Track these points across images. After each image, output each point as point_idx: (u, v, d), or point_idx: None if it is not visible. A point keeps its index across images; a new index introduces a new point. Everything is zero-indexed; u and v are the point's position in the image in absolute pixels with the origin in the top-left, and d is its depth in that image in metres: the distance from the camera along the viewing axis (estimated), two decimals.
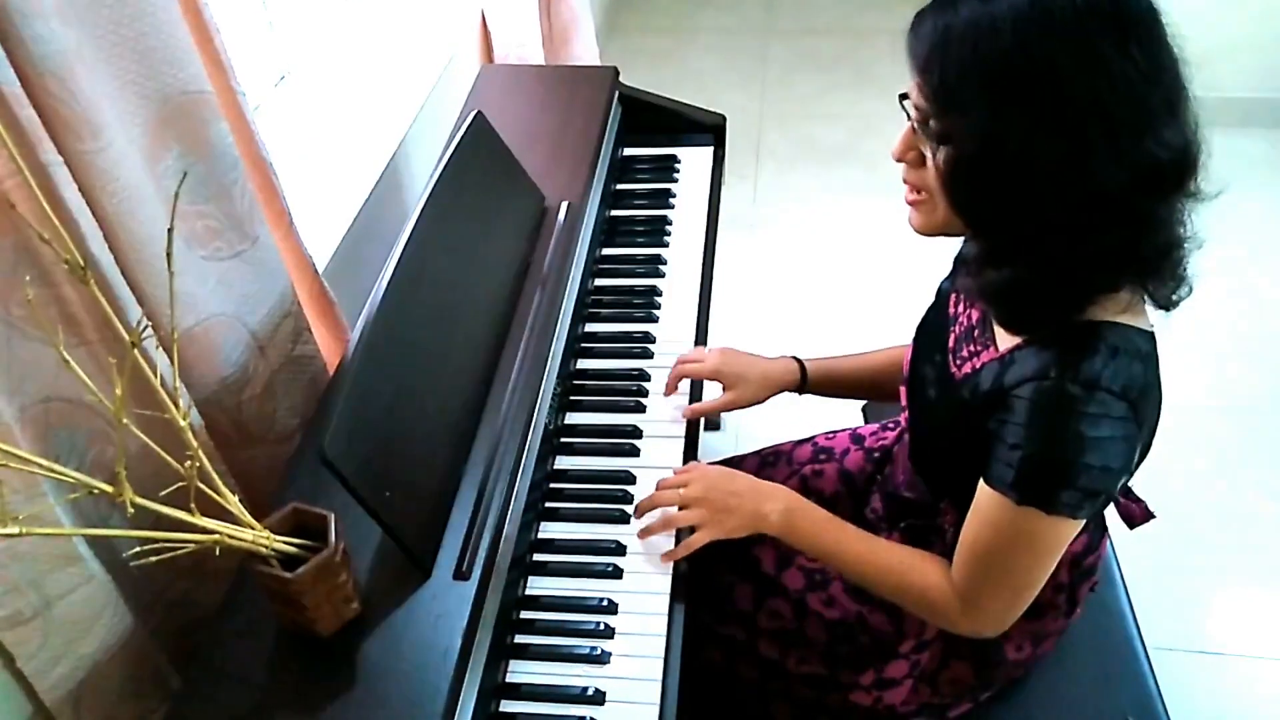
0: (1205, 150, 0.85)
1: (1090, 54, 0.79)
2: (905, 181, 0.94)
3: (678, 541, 1.10)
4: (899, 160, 0.93)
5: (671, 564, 1.09)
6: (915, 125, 0.89)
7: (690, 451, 1.25)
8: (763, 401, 1.29)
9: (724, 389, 1.28)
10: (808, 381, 1.30)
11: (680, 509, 1.10)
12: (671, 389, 1.28)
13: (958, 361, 1.03)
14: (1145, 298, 0.90)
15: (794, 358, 1.31)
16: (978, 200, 0.88)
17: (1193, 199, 0.86)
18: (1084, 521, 0.92)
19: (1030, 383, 0.88)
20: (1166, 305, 0.90)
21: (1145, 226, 0.85)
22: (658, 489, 1.13)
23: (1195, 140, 0.84)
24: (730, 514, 1.09)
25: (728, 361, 1.27)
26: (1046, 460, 0.88)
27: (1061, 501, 0.89)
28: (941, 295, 1.13)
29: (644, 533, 1.11)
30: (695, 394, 1.30)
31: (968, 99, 0.83)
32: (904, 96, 0.90)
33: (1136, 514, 1.13)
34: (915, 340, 1.14)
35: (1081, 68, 0.79)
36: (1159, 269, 0.88)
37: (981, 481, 0.94)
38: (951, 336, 1.06)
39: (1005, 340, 0.96)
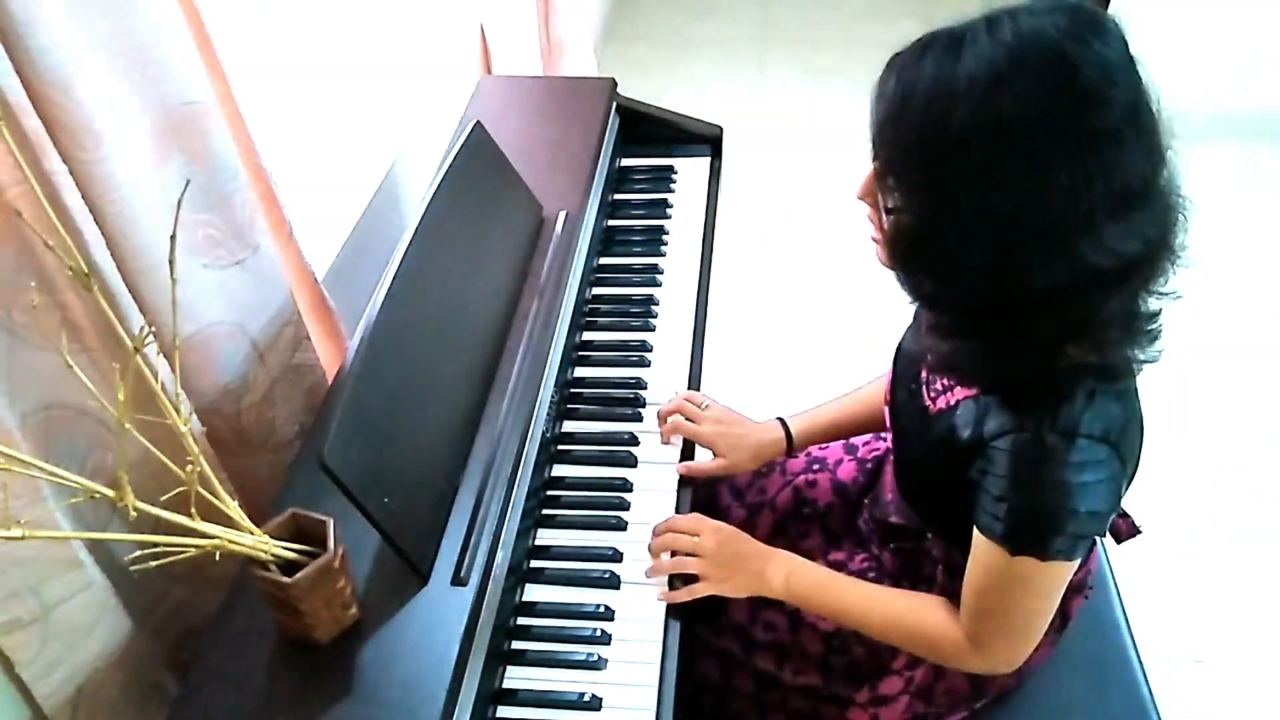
0: (1177, 241, 0.82)
1: (1037, 159, 0.76)
2: (867, 218, 0.94)
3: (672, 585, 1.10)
4: (861, 200, 0.93)
5: (669, 572, 1.10)
6: (876, 173, 0.89)
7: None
8: (752, 469, 1.30)
9: (715, 454, 1.27)
10: (793, 446, 1.30)
11: (690, 554, 1.10)
12: (666, 441, 1.27)
13: (931, 394, 1.03)
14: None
15: (779, 420, 1.30)
16: (913, 277, 0.88)
17: (1170, 269, 0.84)
18: (1081, 558, 0.92)
19: (1009, 435, 0.88)
20: (1121, 374, 0.88)
21: (1086, 321, 0.83)
22: (670, 529, 1.13)
23: (1159, 239, 0.81)
24: (737, 574, 1.10)
25: (722, 434, 1.26)
26: (1034, 512, 0.89)
27: (1055, 549, 0.89)
28: (917, 319, 1.13)
29: (652, 571, 1.11)
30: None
31: (910, 180, 0.83)
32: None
33: (1123, 530, 1.13)
34: (894, 364, 1.14)
35: (1021, 170, 0.77)
36: (1114, 344, 0.86)
37: (975, 529, 0.94)
38: (924, 367, 1.06)
39: None
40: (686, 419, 1.26)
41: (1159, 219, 0.81)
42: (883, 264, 0.94)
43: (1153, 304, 0.87)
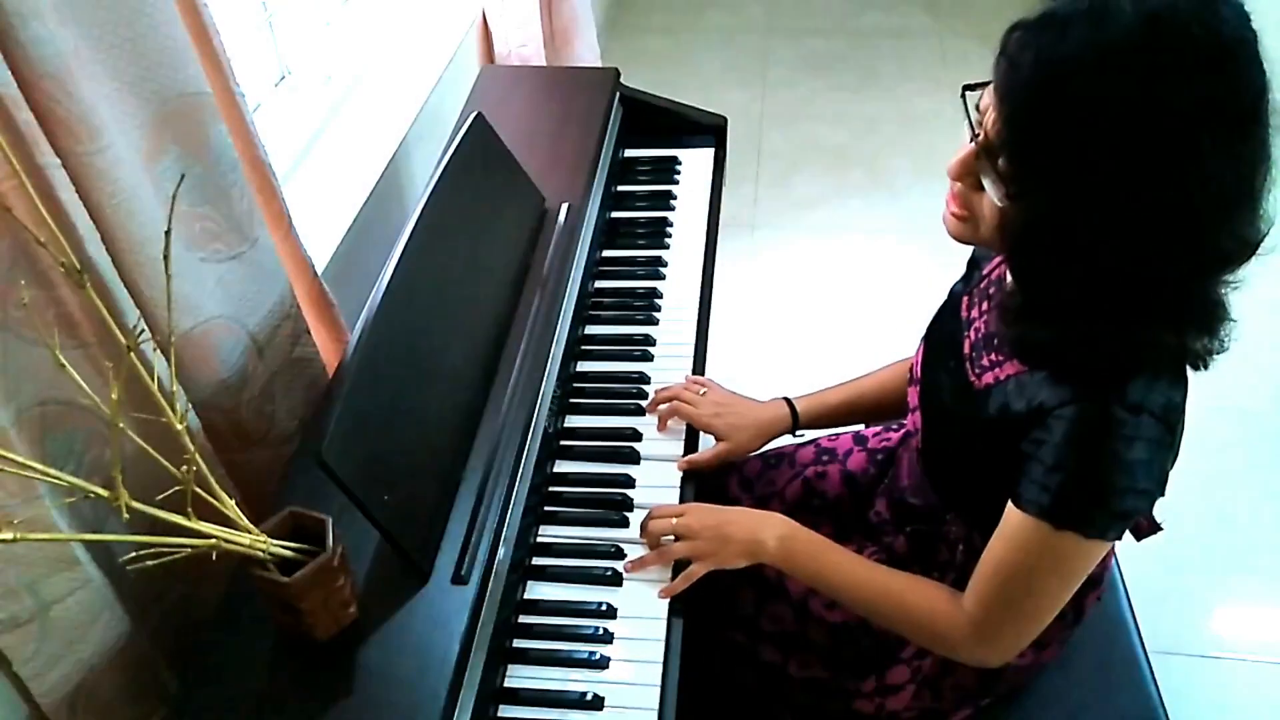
0: (1270, 223, 0.82)
1: (1196, 154, 0.75)
2: (953, 194, 0.91)
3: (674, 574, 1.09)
4: (955, 180, 0.90)
5: (670, 566, 1.09)
6: (980, 150, 0.85)
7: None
8: (757, 449, 1.28)
9: (717, 439, 1.26)
10: (799, 422, 1.29)
11: (676, 540, 1.09)
12: (663, 426, 1.26)
13: (976, 370, 1.01)
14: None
15: (784, 399, 1.29)
16: (1036, 264, 0.86)
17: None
18: (1113, 542, 0.91)
19: (1073, 404, 0.87)
20: (1198, 363, 0.88)
21: (1196, 303, 0.84)
22: (651, 518, 1.11)
23: (1267, 222, 0.82)
24: (728, 543, 1.07)
25: (721, 414, 1.25)
26: (1087, 483, 0.87)
27: (1098, 525, 0.88)
28: (954, 298, 1.12)
29: (636, 564, 1.09)
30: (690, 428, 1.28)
31: (1054, 167, 0.79)
32: (969, 87, 0.86)
33: (1143, 526, 1.12)
34: (926, 343, 1.13)
35: (1187, 167, 0.76)
36: (1204, 333, 0.86)
37: (1010, 505, 0.92)
38: (966, 342, 1.04)
39: None
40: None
41: (1268, 204, 0.81)
42: (951, 235, 0.93)
43: (1227, 318, 0.87)
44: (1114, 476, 0.86)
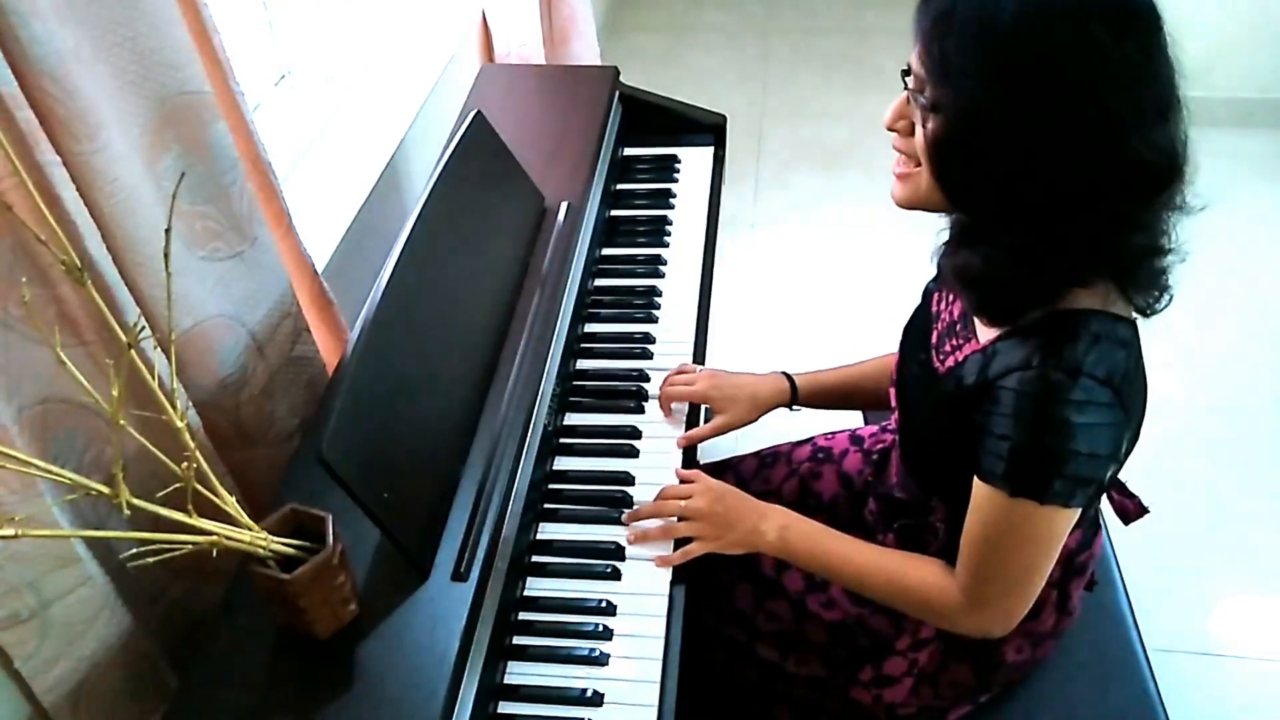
0: (1192, 163, 0.84)
1: (1090, 42, 0.79)
2: (895, 149, 0.94)
3: (675, 549, 1.10)
4: (890, 129, 0.93)
5: (658, 539, 1.10)
6: (910, 94, 0.89)
7: (690, 452, 1.24)
8: (754, 421, 1.29)
9: (714, 413, 1.28)
10: (798, 397, 1.30)
11: (680, 519, 1.11)
12: (667, 412, 1.28)
13: (940, 356, 1.03)
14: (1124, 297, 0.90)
15: (783, 373, 1.31)
16: (958, 173, 0.88)
17: (1178, 211, 0.87)
18: (1080, 511, 0.92)
19: (1014, 373, 0.89)
20: (1144, 311, 0.91)
21: (1121, 225, 0.85)
22: (662, 496, 1.14)
23: (1183, 151, 0.84)
24: (728, 530, 1.10)
25: (716, 385, 1.27)
26: (1035, 449, 0.88)
27: (1054, 491, 0.89)
28: (926, 296, 1.13)
29: (639, 537, 1.11)
30: (693, 411, 1.29)
31: (964, 72, 0.83)
32: (906, 71, 0.90)
33: (1130, 509, 1.13)
34: (902, 341, 1.14)
35: (1080, 54, 0.79)
36: (1136, 272, 0.88)
37: (976, 478, 0.94)
38: (934, 333, 1.06)
39: (986, 333, 0.97)
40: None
41: (1184, 131, 0.84)
42: (896, 202, 0.96)
43: (1164, 260, 0.88)
44: (1060, 441, 0.87)
